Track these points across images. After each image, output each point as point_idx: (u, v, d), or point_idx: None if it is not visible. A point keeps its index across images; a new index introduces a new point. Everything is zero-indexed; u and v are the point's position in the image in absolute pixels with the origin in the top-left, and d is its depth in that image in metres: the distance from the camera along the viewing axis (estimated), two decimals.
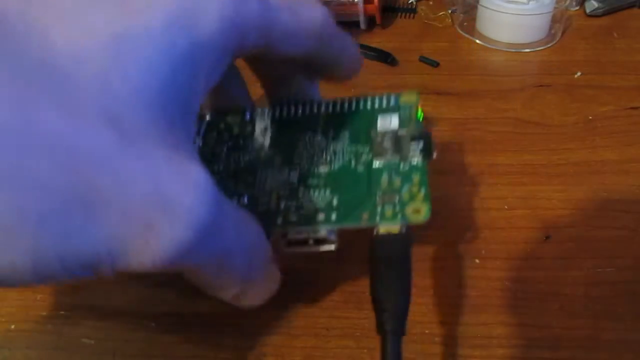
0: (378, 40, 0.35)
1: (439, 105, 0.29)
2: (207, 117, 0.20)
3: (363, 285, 0.18)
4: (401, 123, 0.19)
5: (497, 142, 0.26)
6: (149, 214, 0.12)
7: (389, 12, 0.37)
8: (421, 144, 0.18)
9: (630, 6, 0.37)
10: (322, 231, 0.17)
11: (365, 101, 0.20)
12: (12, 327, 0.19)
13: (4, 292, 0.20)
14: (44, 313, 0.20)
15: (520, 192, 0.23)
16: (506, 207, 0.23)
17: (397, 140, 0.18)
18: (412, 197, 0.17)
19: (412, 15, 0.38)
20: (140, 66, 0.12)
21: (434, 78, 0.31)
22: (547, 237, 0.21)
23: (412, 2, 0.39)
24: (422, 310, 0.19)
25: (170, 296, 0.20)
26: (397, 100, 0.20)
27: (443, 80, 0.31)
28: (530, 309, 0.19)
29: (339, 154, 0.19)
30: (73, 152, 0.11)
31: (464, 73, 0.32)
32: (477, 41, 0.35)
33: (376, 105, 0.20)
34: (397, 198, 0.17)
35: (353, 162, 0.18)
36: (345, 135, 0.19)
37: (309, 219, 0.17)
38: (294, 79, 0.20)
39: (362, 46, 0.34)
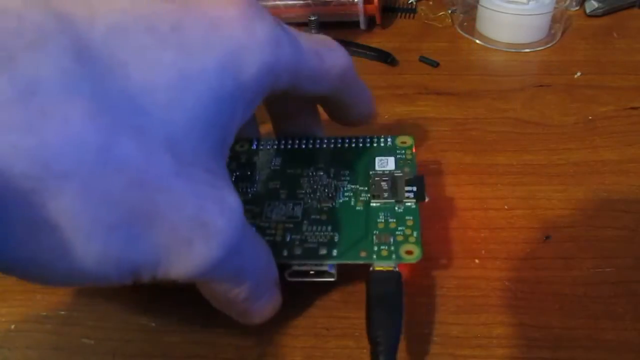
0: (378, 40, 0.35)
1: (439, 105, 0.29)
2: None
3: (363, 286, 0.18)
4: (397, 164, 0.21)
5: (497, 142, 0.26)
6: (190, 231, 0.13)
7: (389, 12, 0.38)
8: (415, 189, 0.19)
9: (630, 6, 0.37)
10: (324, 266, 0.18)
11: (365, 141, 0.22)
12: (12, 327, 0.19)
13: (4, 292, 0.20)
14: (44, 313, 0.20)
15: (520, 192, 0.23)
16: (506, 207, 0.23)
17: (393, 182, 0.20)
18: (406, 239, 0.18)
19: (412, 15, 0.38)
20: (196, 101, 0.14)
21: (434, 78, 0.31)
22: (547, 237, 0.21)
23: (412, 2, 0.39)
24: (422, 310, 0.19)
25: (170, 296, 0.20)
26: (393, 141, 0.22)
27: (443, 80, 0.31)
28: (530, 309, 0.19)
29: (339, 191, 0.20)
30: (141, 173, 0.12)
31: (464, 73, 0.32)
32: (477, 41, 0.35)
33: (374, 145, 0.22)
34: (391, 239, 0.18)
35: (353, 201, 0.20)
36: (346, 173, 0.21)
37: (312, 254, 0.18)
38: (302, 116, 0.22)
39: (362, 46, 0.34)
